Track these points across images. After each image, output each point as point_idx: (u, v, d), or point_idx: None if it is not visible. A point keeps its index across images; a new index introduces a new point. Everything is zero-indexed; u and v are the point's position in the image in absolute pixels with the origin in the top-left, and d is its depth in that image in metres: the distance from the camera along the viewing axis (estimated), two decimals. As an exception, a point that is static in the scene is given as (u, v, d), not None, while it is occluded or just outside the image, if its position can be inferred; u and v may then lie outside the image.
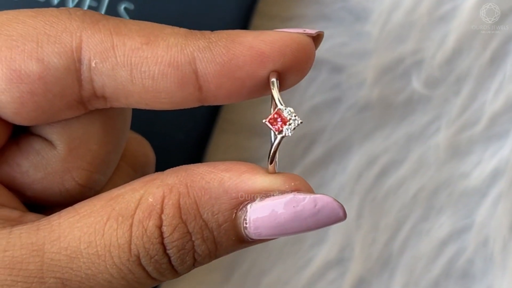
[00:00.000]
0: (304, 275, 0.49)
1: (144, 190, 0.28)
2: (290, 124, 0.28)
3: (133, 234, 0.27)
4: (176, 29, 0.29)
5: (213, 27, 0.31)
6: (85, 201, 0.29)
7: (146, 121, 0.43)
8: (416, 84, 0.49)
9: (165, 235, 0.28)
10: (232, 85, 0.29)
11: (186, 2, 0.44)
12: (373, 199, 0.49)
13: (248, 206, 0.28)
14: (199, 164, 0.29)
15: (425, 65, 0.49)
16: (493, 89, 0.50)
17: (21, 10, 0.29)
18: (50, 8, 0.29)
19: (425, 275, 0.49)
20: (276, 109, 0.28)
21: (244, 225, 0.28)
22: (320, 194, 0.28)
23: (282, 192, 0.28)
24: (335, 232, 0.49)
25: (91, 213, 0.28)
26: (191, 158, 0.45)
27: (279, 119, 0.28)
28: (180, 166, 0.29)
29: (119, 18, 0.29)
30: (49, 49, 0.28)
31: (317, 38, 0.30)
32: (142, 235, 0.27)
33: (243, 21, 0.45)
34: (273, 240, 0.48)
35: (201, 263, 0.29)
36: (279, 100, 0.28)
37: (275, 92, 0.28)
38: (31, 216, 0.30)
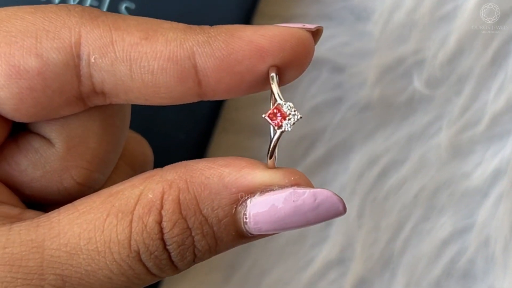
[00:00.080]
0: (305, 275, 0.49)
1: (143, 186, 0.28)
2: (289, 119, 0.28)
3: (133, 230, 0.27)
4: (175, 24, 0.29)
5: (214, 27, 0.32)
6: (84, 198, 0.29)
7: (147, 120, 0.43)
8: (418, 84, 0.49)
9: (165, 231, 0.28)
10: (232, 80, 0.29)
11: (187, 2, 0.44)
12: (374, 199, 0.49)
13: (248, 201, 0.28)
14: (199, 159, 0.29)
15: (427, 65, 0.49)
16: (495, 89, 0.50)
17: (20, 6, 0.29)
18: (49, 5, 0.29)
19: (426, 275, 0.49)
20: (275, 104, 0.28)
21: (244, 220, 0.28)
22: (320, 188, 0.28)
23: (282, 186, 0.28)
24: (336, 232, 0.49)
25: (90, 209, 0.28)
26: (192, 157, 0.45)
27: (278, 114, 0.28)
28: (179, 162, 0.29)
29: (118, 14, 0.29)
30: (48, 45, 0.28)
31: (316, 33, 0.30)
32: (142, 231, 0.27)
33: (244, 21, 0.45)
34: (274, 240, 0.49)
35: (201, 259, 0.29)
36: (278, 95, 0.28)
37: (275, 87, 0.28)
38: (31, 213, 0.30)
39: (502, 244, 0.49)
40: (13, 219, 0.29)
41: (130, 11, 0.44)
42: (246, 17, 0.45)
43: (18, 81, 0.28)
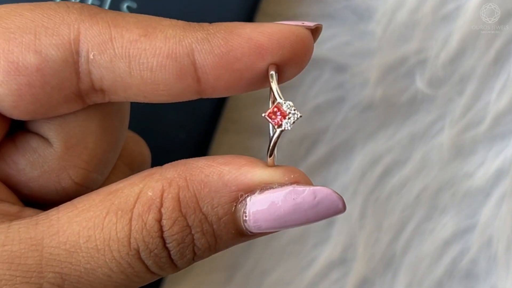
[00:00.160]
0: (307, 275, 0.49)
1: (143, 184, 0.28)
2: (289, 118, 0.28)
3: (132, 228, 0.27)
4: (174, 21, 0.29)
5: (215, 27, 0.31)
6: (83, 196, 0.29)
7: (147, 120, 0.43)
8: (420, 83, 0.49)
9: (164, 229, 0.27)
10: (231, 77, 0.29)
11: (189, 1, 0.44)
12: (376, 199, 0.49)
13: (248, 199, 0.28)
14: (198, 158, 0.29)
15: (429, 64, 0.49)
16: (497, 89, 0.49)
17: (20, 3, 0.29)
18: (48, 2, 0.29)
19: (428, 275, 0.49)
20: (275, 103, 0.28)
21: (244, 218, 0.28)
22: (319, 186, 0.28)
23: (282, 184, 0.28)
24: (338, 232, 0.49)
25: (90, 207, 0.28)
26: (193, 157, 0.45)
27: (278, 113, 0.28)
28: (179, 160, 0.29)
29: (117, 11, 0.29)
30: (47, 41, 0.28)
31: (315, 31, 0.30)
32: (142, 228, 0.27)
33: (246, 20, 0.45)
34: (276, 240, 0.49)
35: (201, 257, 0.29)
36: (278, 94, 0.28)
37: (274, 86, 0.28)
38: (30, 211, 0.30)
39: (504, 244, 0.49)
40: (12, 217, 0.28)
41: (131, 10, 0.44)
42: (248, 16, 0.45)
43: (17, 78, 0.28)
